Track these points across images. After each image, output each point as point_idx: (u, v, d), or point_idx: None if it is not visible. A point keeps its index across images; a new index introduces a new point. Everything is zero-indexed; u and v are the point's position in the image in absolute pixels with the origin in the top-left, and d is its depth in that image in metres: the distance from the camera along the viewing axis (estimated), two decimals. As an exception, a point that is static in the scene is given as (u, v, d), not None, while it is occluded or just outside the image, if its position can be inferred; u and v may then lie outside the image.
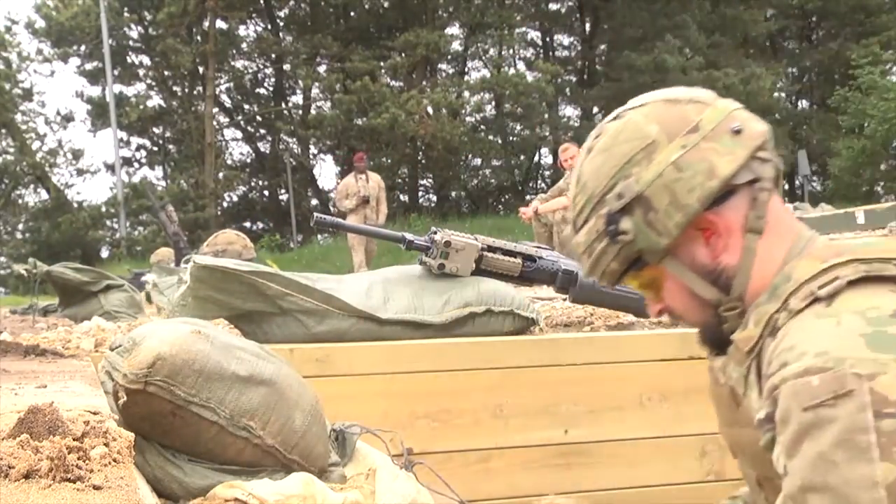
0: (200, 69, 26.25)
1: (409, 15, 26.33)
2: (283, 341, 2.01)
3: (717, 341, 1.27)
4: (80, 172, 27.29)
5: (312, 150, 28.21)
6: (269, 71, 28.24)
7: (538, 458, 2.19)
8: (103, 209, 25.11)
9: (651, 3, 24.68)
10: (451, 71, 28.68)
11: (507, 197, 27.47)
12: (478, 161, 28.24)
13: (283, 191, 27.41)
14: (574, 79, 28.22)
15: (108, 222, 25.54)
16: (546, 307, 2.83)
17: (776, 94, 27.10)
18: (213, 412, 1.29)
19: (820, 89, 28.51)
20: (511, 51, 29.44)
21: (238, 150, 30.42)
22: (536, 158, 28.09)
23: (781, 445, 1.05)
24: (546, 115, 26.16)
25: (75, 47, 25.50)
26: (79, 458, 0.92)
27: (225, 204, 27.71)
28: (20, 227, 26.50)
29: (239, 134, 29.19)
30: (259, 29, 28.11)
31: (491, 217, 21.64)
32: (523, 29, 28.74)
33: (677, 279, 1.28)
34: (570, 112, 28.91)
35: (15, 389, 1.40)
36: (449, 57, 27.94)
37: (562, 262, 2.17)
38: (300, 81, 26.33)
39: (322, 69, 26.13)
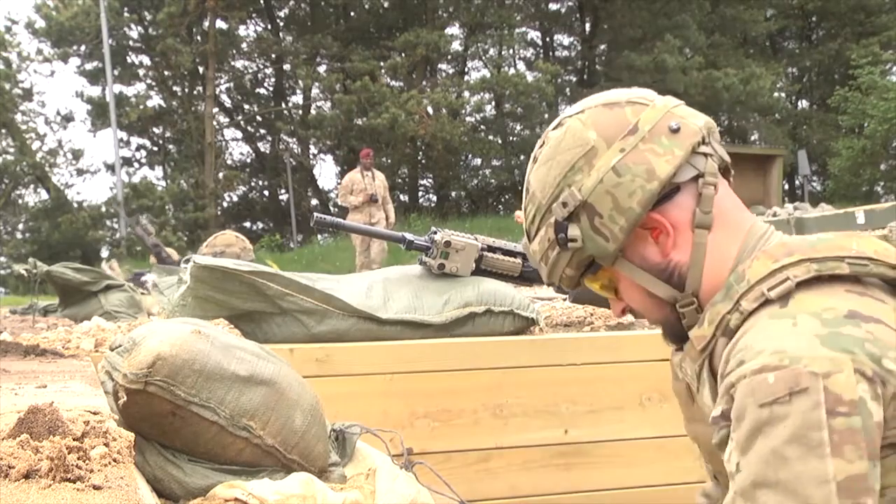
0: (200, 69, 26.26)
1: (409, 15, 26.34)
2: (283, 341, 2.01)
3: (679, 336, 1.28)
4: (80, 172, 27.31)
5: (312, 150, 28.23)
6: (269, 71, 28.26)
7: (538, 458, 2.19)
8: (103, 209, 25.11)
9: (651, 3, 24.69)
10: (451, 71, 28.70)
11: (507, 197, 27.47)
12: (478, 161, 28.25)
13: (283, 191, 27.43)
14: (574, 79, 28.23)
15: (108, 222, 25.54)
16: (546, 307, 2.83)
17: (776, 94, 27.10)
18: (213, 412, 1.29)
19: (820, 89, 28.51)
20: (511, 51, 29.46)
21: (238, 150, 30.46)
22: (536, 158, 28.03)
23: (735, 442, 1.06)
24: (546, 115, 26.14)
25: (75, 47, 25.49)
26: (79, 458, 0.92)
27: (225, 204, 27.73)
28: (20, 227, 26.50)
29: (239, 134, 29.22)
30: (259, 29, 28.14)
31: (491, 217, 21.65)
32: (523, 29, 28.76)
33: (630, 280, 1.29)
34: (570, 112, 28.89)
35: (15, 389, 1.40)
36: (449, 57, 27.95)
37: (562, 262, 2.17)
38: (300, 81, 26.35)
39: (322, 69, 26.14)
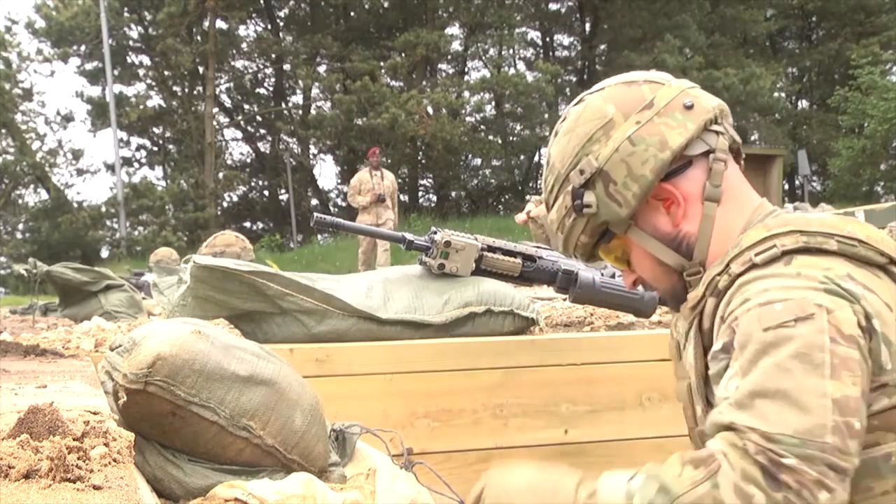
0: (200, 69, 26.27)
1: (409, 15, 26.34)
2: (283, 341, 2.01)
3: (681, 303, 1.33)
4: (80, 172, 27.33)
5: (312, 150, 28.24)
6: (269, 71, 28.27)
7: (538, 458, 2.18)
8: (103, 209, 25.12)
9: (651, 3, 24.70)
10: (451, 71, 28.70)
11: (507, 197, 27.48)
12: (478, 161, 28.25)
13: (283, 191, 27.43)
14: (574, 79, 28.23)
15: (108, 222, 25.54)
16: (546, 307, 2.83)
17: (776, 94, 27.11)
18: (213, 412, 1.29)
19: (820, 89, 28.52)
20: (511, 51, 29.46)
21: (238, 150, 30.48)
22: (536, 158, 28.09)
23: (737, 367, 1.09)
24: (546, 115, 26.16)
25: (75, 47, 25.50)
26: (79, 458, 0.92)
27: (225, 204, 27.74)
28: (20, 227, 26.50)
29: (239, 134, 29.23)
30: (259, 29, 28.15)
31: (491, 217, 21.66)
32: (523, 29, 28.77)
33: (642, 248, 1.36)
34: (570, 112, 28.89)
35: (15, 389, 1.40)
36: (449, 57, 27.96)
37: (562, 262, 2.17)
38: (300, 81, 26.35)
39: (322, 69, 26.14)
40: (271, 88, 28.76)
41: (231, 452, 1.33)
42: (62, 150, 26.59)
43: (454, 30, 27.43)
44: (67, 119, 26.75)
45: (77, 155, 26.74)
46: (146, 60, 27.05)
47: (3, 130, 24.69)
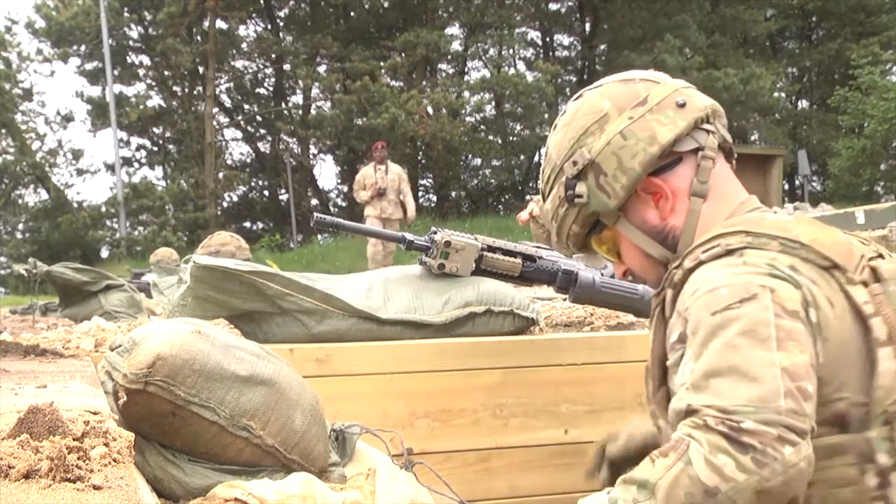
0: (200, 69, 26.25)
1: (409, 15, 26.33)
2: (283, 341, 2.01)
3: None
4: (80, 172, 27.32)
5: (312, 150, 28.22)
6: (269, 71, 28.25)
7: (538, 458, 2.19)
8: (103, 209, 25.11)
9: (651, 3, 24.68)
10: (451, 71, 28.69)
11: (507, 197, 27.47)
12: (478, 161, 28.24)
13: (283, 191, 27.42)
14: (574, 79, 28.22)
15: (108, 222, 25.53)
16: (546, 307, 2.83)
17: (776, 94, 27.09)
18: (213, 412, 1.29)
19: (820, 89, 28.50)
20: (511, 51, 29.45)
21: (238, 150, 30.46)
22: (536, 158, 28.07)
23: (690, 352, 1.14)
24: (546, 115, 26.14)
25: (75, 47, 25.48)
26: (79, 458, 0.92)
27: (225, 204, 27.72)
28: (20, 227, 26.49)
29: (239, 134, 29.21)
30: (259, 29, 28.12)
31: (491, 217, 21.66)
32: (523, 29, 28.74)
33: (629, 240, 1.42)
34: (570, 112, 28.85)
35: (15, 389, 1.40)
36: (449, 57, 27.94)
37: (562, 262, 2.17)
38: (300, 81, 26.33)
39: (322, 69, 26.13)
40: (271, 88, 28.76)
41: (231, 452, 1.33)
42: (62, 150, 26.59)
43: (454, 30, 27.43)
44: (67, 119, 26.74)
45: (77, 155, 26.74)
46: (146, 60, 27.04)
47: (3, 130, 24.69)
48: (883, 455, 1.14)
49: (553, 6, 28.40)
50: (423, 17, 25.88)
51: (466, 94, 25.87)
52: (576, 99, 1.47)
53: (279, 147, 27.18)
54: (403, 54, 24.76)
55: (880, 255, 1.25)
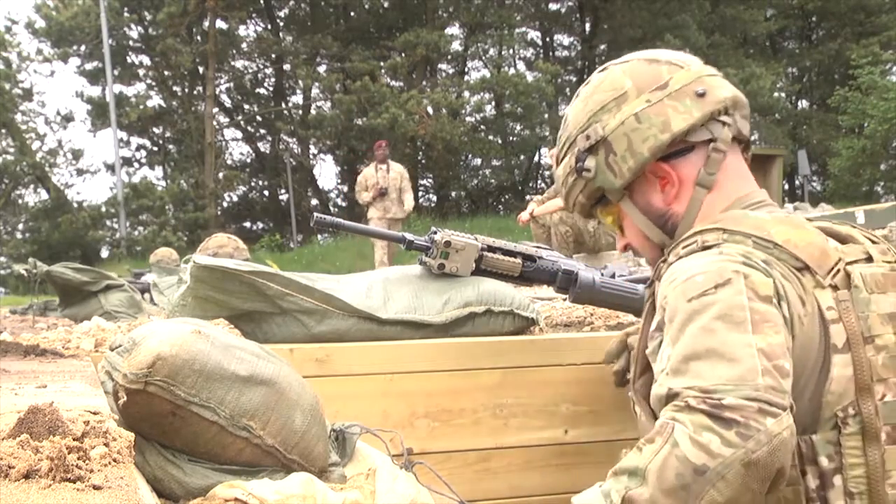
0: (200, 69, 26.25)
1: (409, 15, 26.33)
2: (283, 341, 2.01)
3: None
4: (80, 172, 27.33)
5: (312, 150, 28.22)
6: (269, 71, 28.26)
7: (538, 458, 2.19)
8: (103, 209, 25.11)
9: (651, 3, 24.68)
10: (451, 71, 28.69)
11: (507, 197, 27.47)
12: (478, 161, 28.23)
13: (283, 191, 27.42)
14: (574, 79, 28.20)
15: (108, 222, 25.53)
16: (546, 307, 2.83)
17: (776, 94, 27.08)
18: (213, 412, 1.29)
19: (820, 89, 28.50)
20: (511, 51, 29.45)
21: (238, 150, 30.47)
22: (536, 158, 28.10)
23: (668, 338, 1.17)
24: (546, 115, 26.15)
25: (75, 47, 25.48)
26: (79, 458, 0.92)
27: (225, 204, 27.73)
28: (20, 227, 26.48)
29: (239, 134, 29.22)
30: (259, 29, 28.13)
31: (491, 217, 21.65)
32: (523, 29, 28.74)
33: (631, 219, 1.45)
34: (569, 112, 28.85)
35: (15, 389, 1.40)
36: (449, 57, 27.94)
37: (562, 262, 2.17)
38: (300, 81, 26.33)
39: (322, 69, 26.12)
40: (271, 88, 28.76)
41: (231, 452, 1.33)
42: (62, 150, 26.60)
43: (454, 30, 27.43)
44: (67, 119, 26.74)
45: (77, 155, 26.74)
46: (146, 60, 27.05)
47: (3, 130, 24.68)
48: (824, 458, 1.17)
49: (553, 6, 28.41)
50: (423, 17, 25.88)
51: (466, 94, 25.87)
52: (600, 71, 1.50)
53: (279, 147, 27.19)
54: (403, 54, 24.76)
55: (869, 258, 1.26)
